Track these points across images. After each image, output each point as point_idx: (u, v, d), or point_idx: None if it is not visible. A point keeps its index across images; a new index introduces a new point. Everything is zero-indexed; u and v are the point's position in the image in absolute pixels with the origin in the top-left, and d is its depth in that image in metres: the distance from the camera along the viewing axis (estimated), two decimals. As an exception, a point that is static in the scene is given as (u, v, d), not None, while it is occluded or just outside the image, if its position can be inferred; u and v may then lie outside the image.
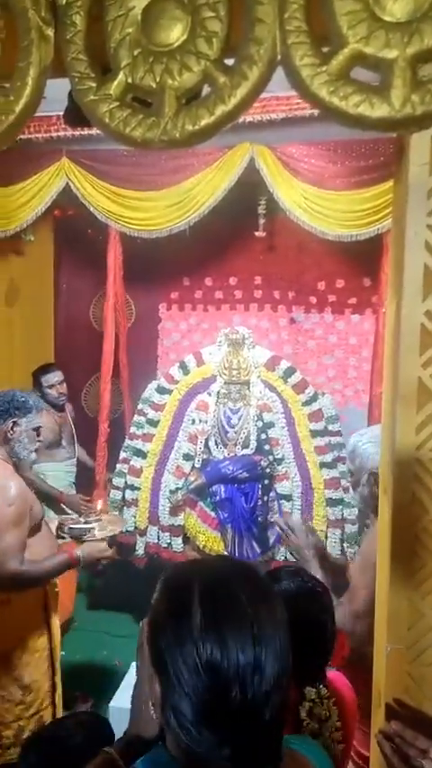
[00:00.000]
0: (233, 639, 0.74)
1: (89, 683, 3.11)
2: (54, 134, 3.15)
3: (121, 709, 2.49)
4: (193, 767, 0.78)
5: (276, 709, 0.77)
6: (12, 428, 2.24)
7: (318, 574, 1.77)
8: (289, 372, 3.51)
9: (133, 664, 3.14)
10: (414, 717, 1.14)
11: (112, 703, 2.68)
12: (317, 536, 2.06)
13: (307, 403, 3.46)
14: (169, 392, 3.64)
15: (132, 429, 3.70)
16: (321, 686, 1.34)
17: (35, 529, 2.26)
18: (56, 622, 2.39)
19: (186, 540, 3.52)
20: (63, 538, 2.57)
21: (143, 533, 3.55)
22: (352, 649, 1.83)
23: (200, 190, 3.21)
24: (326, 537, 3.28)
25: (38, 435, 2.33)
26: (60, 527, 2.61)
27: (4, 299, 4.25)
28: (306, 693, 1.31)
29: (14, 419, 2.25)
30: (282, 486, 3.43)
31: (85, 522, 2.64)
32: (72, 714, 1.50)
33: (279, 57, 0.90)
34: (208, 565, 0.86)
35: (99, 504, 2.95)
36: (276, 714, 0.77)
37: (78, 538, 2.54)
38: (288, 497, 3.42)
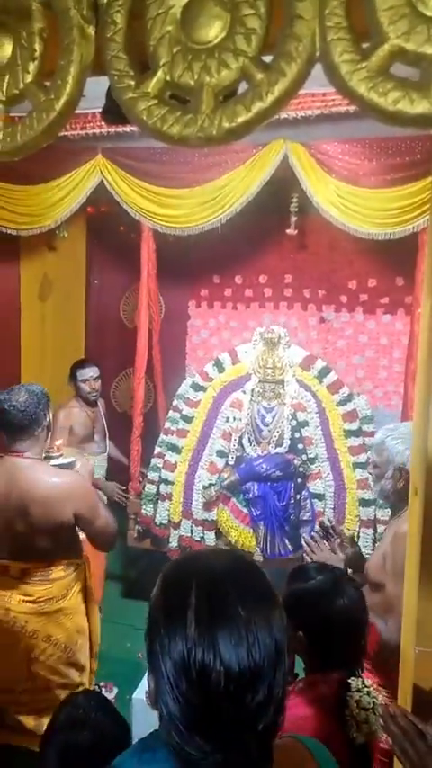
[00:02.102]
0: (226, 647, 0.73)
1: (113, 674, 3.15)
2: (90, 131, 3.19)
3: (143, 700, 2.51)
4: (184, 762, 0.78)
5: (271, 718, 0.76)
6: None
7: None
8: (324, 372, 3.51)
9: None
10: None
11: (135, 695, 2.71)
12: (348, 549, 2.04)
13: (342, 403, 3.46)
14: (204, 389, 3.67)
15: (167, 424, 3.75)
16: (362, 676, 1.36)
17: None
18: (92, 603, 2.44)
19: (219, 534, 3.56)
20: None
21: (177, 527, 3.60)
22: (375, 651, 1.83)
23: (233, 187, 3.21)
24: (358, 537, 3.29)
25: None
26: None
27: (38, 294, 4.33)
28: (353, 684, 1.34)
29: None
30: (315, 486, 3.45)
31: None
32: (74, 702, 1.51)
33: (318, 53, 0.90)
34: (206, 564, 0.84)
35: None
36: (271, 722, 0.76)
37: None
38: (321, 496, 3.43)
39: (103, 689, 3.00)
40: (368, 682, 1.38)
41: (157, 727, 0.83)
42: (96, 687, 2.95)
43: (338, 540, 2.02)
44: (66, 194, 3.45)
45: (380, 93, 0.86)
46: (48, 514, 2.10)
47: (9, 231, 3.60)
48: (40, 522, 2.10)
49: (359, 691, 1.34)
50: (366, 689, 1.35)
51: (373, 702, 1.34)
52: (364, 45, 0.88)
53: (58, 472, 2.23)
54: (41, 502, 2.09)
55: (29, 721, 2.24)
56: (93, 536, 2.25)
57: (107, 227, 4.31)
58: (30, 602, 2.17)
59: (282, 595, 1.48)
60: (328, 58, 0.89)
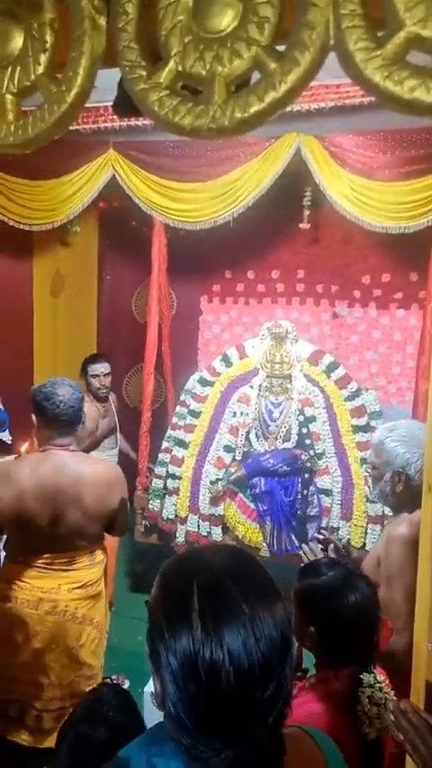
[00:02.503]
0: (234, 643, 0.73)
1: (124, 667, 3.17)
2: (102, 125, 3.18)
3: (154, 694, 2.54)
4: (193, 757, 0.77)
5: (280, 711, 0.76)
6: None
7: None
8: (332, 367, 3.48)
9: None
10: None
11: (146, 688, 2.72)
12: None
13: (350, 398, 3.43)
14: (211, 384, 3.64)
15: (174, 419, 3.73)
16: (375, 671, 1.35)
17: None
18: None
19: (226, 529, 3.55)
20: None
21: (184, 521, 3.59)
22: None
23: (245, 181, 3.18)
24: (365, 533, 3.26)
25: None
26: None
27: (50, 290, 4.34)
28: (365, 680, 1.33)
29: None
30: (322, 481, 3.42)
31: None
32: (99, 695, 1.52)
33: (332, 41, 0.88)
34: (205, 561, 0.82)
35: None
36: (279, 716, 0.76)
37: None
38: (328, 492, 3.41)
39: (115, 682, 3.01)
40: (380, 677, 1.37)
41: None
42: (109, 680, 2.97)
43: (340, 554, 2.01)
44: (78, 189, 3.45)
45: (395, 81, 0.85)
46: (102, 500, 2.20)
47: (22, 226, 3.61)
48: (96, 508, 2.19)
49: (371, 686, 1.33)
50: (378, 684, 1.34)
51: (385, 698, 1.33)
52: (380, 33, 0.87)
53: (101, 461, 2.44)
54: (96, 489, 2.18)
55: (49, 722, 2.26)
56: (122, 520, 2.36)
57: (119, 223, 4.31)
58: (78, 587, 2.24)
59: (292, 591, 1.48)
60: (342, 47, 0.87)
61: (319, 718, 1.30)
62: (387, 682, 1.38)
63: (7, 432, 3.95)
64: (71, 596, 2.22)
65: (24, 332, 4.19)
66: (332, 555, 1.99)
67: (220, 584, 0.77)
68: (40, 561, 2.20)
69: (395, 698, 1.36)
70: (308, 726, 1.25)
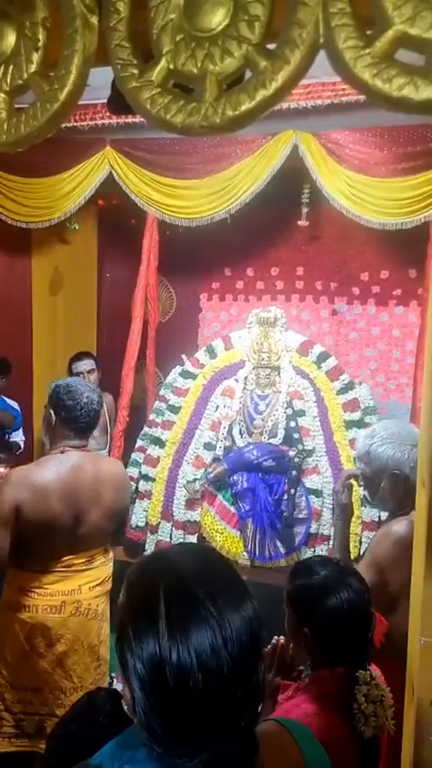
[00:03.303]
0: (202, 647, 0.71)
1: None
2: (98, 122, 3.18)
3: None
4: (167, 765, 0.76)
5: (253, 712, 0.75)
6: None
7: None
8: (323, 357, 3.31)
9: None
10: None
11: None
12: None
13: (342, 391, 3.25)
14: (194, 377, 3.45)
15: (152, 416, 3.51)
16: (370, 668, 1.35)
17: None
18: None
19: (202, 539, 3.28)
20: None
21: (155, 530, 3.31)
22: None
23: (241, 178, 3.19)
24: (360, 541, 2.99)
25: None
26: None
27: (49, 288, 4.34)
28: (360, 677, 1.33)
29: None
30: (311, 481, 3.15)
31: None
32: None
33: (322, 39, 0.89)
34: (171, 564, 0.81)
35: None
36: (252, 717, 0.75)
37: None
38: (318, 493, 3.13)
39: (115, 679, 3.03)
40: (375, 673, 1.37)
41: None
42: (109, 678, 2.98)
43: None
44: (75, 186, 3.45)
45: (384, 79, 0.85)
46: (118, 498, 2.26)
47: (19, 224, 3.61)
48: (114, 506, 2.23)
49: (367, 683, 1.33)
50: (374, 681, 1.34)
51: (381, 695, 1.33)
52: (369, 31, 0.87)
53: (112, 460, 2.57)
54: (112, 487, 2.22)
55: None
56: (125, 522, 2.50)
57: (118, 221, 4.31)
58: (98, 585, 2.26)
59: (285, 591, 1.48)
60: (331, 45, 0.88)
61: (314, 719, 1.31)
62: (382, 678, 1.39)
63: (21, 431, 3.96)
64: (92, 594, 2.24)
65: (23, 330, 4.20)
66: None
67: (185, 587, 0.76)
68: (60, 565, 2.18)
69: (391, 695, 1.37)
70: (292, 720, 1.25)
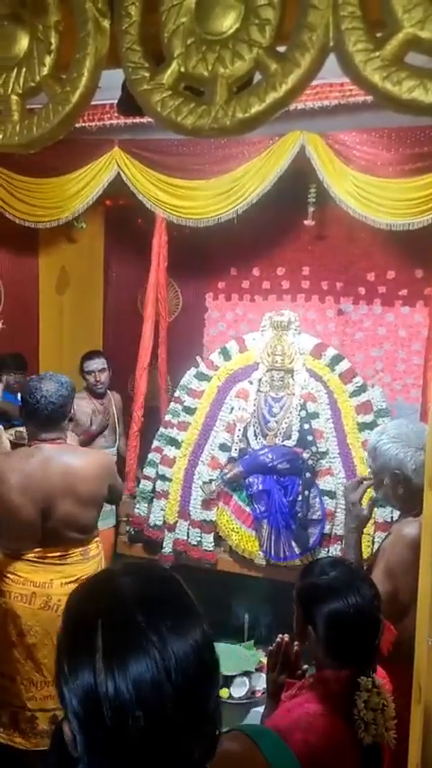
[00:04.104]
0: (142, 681, 0.66)
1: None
2: (107, 122, 3.19)
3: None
4: None
5: (208, 744, 0.70)
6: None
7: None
8: (336, 360, 3.32)
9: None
10: None
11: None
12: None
13: (355, 394, 3.27)
14: (208, 379, 3.48)
15: (168, 417, 3.55)
16: (374, 675, 1.34)
17: None
18: None
19: (218, 538, 3.34)
20: None
21: (172, 528, 3.37)
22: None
23: (248, 179, 3.19)
24: (373, 542, 3.01)
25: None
26: None
27: (55, 287, 4.36)
28: (362, 684, 1.31)
29: None
30: (325, 482, 3.20)
31: None
32: None
33: (332, 43, 0.89)
34: (114, 589, 0.74)
35: None
36: (208, 748, 0.71)
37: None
38: (332, 494, 3.18)
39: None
40: (378, 681, 1.35)
41: None
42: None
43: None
44: (83, 186, 3.46)
45: (394, 82, 0.86)
46: (93, 490, 2.25)
47: (27, 224, 3.63)
48: (88, 498, 2.24)
49: (368, 690, 1.31)
50: (376, 689, 1.32)
51: (382, 703, 1.30)
52: (379, 34, 0.88)
53: (90, 451, 2.54)
54: (84, 479, 2.22)
55: (43, 724, 2.28)
56: (113, 498, 2.53)
57: (125, 221, 4.32)
58: (71, 582, 2.25)
59: (294, 589, 1.49)
60: (341, 48, 0.89)
61: (319, 719, 1.30)
62: (387, 687, 1.37)
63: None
64: (64, 590, 2.23)
65: (30, 329, 4.22)
66: None
67: (126, 616, 0.70)
68: (31, 555, 2.23)
69: (393, 704, 1.35)
70: (309, 727, 1.24)
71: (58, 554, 2.25)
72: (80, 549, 2.29)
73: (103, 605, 0.72)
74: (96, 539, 2.39)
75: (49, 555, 2.24)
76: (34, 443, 2.21)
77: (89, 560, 2.32)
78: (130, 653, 0.67)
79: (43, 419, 2.17)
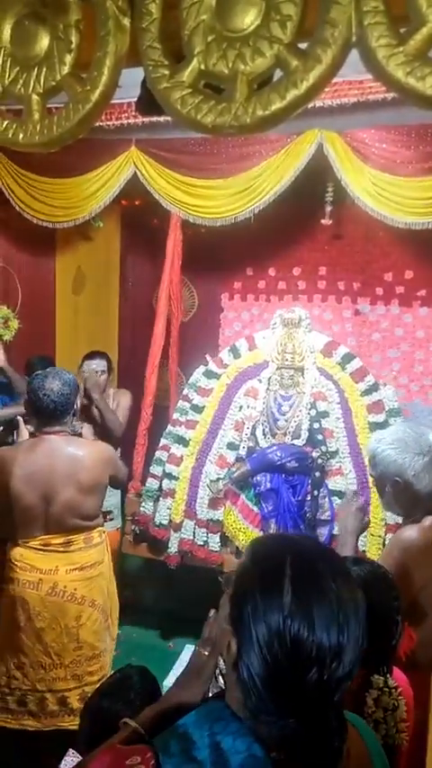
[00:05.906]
0: (320, 622, 0.76)
1: (144, 662, 3.20)
2: (124, 121, 3.20)
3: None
4: (257, 726, 0.80)
5: (343, 693, 0.80)
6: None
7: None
8: (347, 359, 3.27)
9: (187, 646, 3.21)
10: None
11: (165, 682, 2.75)
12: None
13: (366, 393, 3.21)
14: (217, 377, 3.44)
15: (176, 415, 3.51)
16: (389, 676, 1.33)
17: None
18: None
19: (224, 539, 3.31)
20: None
21: (178, 528, 3.34)
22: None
23: (266, 177, 3.18)
24: (383, 543, 2.98)
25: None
26: None
27: (72, 288, 4.38)
28: (374, 681, 1.31)
29: None
30: (335, 482, 3.15)
31: None
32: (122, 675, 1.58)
33: (354, 38, 0.88)
34: (296, 541, 0.87)
35: None
36: (341, 697, 0.80)
37: None
38: (341, 495, 3.12)
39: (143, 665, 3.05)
40: (392, 682, 1.33)
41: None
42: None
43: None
44: (100, 186, 3.47)
45: (418, 77, 0.85)
46: (95, 479, 2.35)
47: (45, 224, 3.65)
48: (90, 486, 2.34)
49: (379, 689, 1.30)
50: (388, 689, 1.31)
51: (393, 704, 1.29)
52: (402, 29, 0.87)
53: (92, 442, 2.69)
54: (87, 467, 2.32)
55: (74, 702, 2.34)
56: (117, 484, 2.64)
57: (141, 220, 4.33)
58: (76, 569, 2.35)
59: None
60: (364, 44, 0.87)
61: None
62: (401, 690, 1.35)
63: None
64: (69, 578, 2.33)
65: (47, 329, 4.24)
66: None
67: (311, 563, 0.82)
68: (37, 542, 2.32)
69: (406, 707, 1.33)
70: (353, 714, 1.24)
71: (62, 541, 2.33)
72: (83, 536, 2.38)
73: (290, 551, 0.83)
74: (99, 527, 2.47)
75: (53, 542, 2.33)
76: (39, 435, 2.33)
77: (92, 548, 2.40)
78: (314, 594, 0.78)
79: (47, 415, 2.28)
